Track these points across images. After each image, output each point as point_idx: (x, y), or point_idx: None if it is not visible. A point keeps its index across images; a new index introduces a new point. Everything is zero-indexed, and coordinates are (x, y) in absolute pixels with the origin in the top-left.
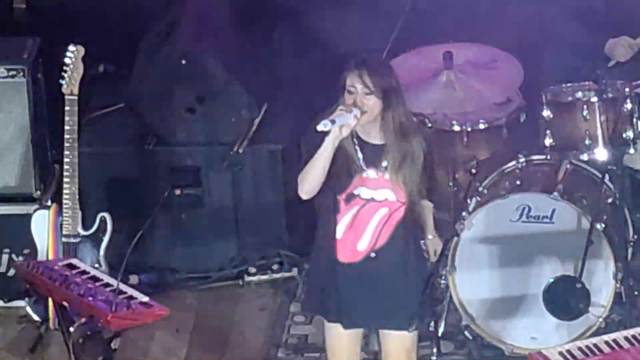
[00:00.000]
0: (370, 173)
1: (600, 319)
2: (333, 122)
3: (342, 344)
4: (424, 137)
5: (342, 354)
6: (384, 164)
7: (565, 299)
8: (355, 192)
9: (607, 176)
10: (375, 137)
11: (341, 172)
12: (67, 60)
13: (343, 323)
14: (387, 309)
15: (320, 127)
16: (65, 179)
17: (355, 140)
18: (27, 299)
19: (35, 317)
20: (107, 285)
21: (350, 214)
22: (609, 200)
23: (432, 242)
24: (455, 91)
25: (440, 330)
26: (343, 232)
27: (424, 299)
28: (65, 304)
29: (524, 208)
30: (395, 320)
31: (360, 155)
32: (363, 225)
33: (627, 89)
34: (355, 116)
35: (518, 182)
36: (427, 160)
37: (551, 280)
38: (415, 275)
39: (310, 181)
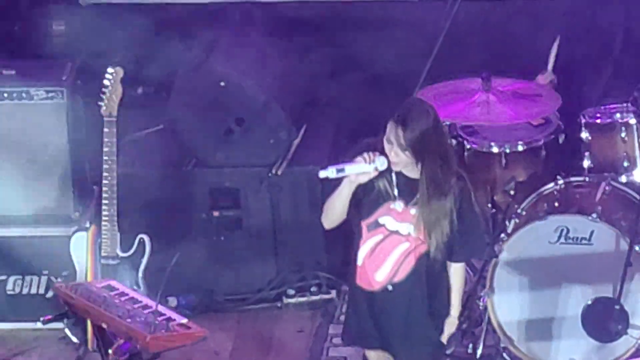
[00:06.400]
0: (398, 205)
1: (639, 341)
2: (341, 170)
3: None
4: (460, 189)
5: None
6: (416, 198)
7: (604, 320)
8: (381, 221)
9: None
10: (411, 171)
11: (371, 199)
12: (106, 82)
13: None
14: (405, 339)
15: (322, 174)
16: (104, 201)
17: (392, 171)
18: (66, 320)
19: (74, 339)
20: (145, 307)
21: (372, 242)
22: None
23: (449, 322)
24: (490, 112)
25: (479, 352)
26: (363, 259)
27: (461, 320)
28: (104, 325)
29: (562, 230)
30: (414, 351)
31: (394, 185)
32: (384, 256)
33: None
34: (376, 168)
35: (556, 204)
36: (463, 213)
37: (590, 302)
38: (437, 308)
39: (330, 215)
